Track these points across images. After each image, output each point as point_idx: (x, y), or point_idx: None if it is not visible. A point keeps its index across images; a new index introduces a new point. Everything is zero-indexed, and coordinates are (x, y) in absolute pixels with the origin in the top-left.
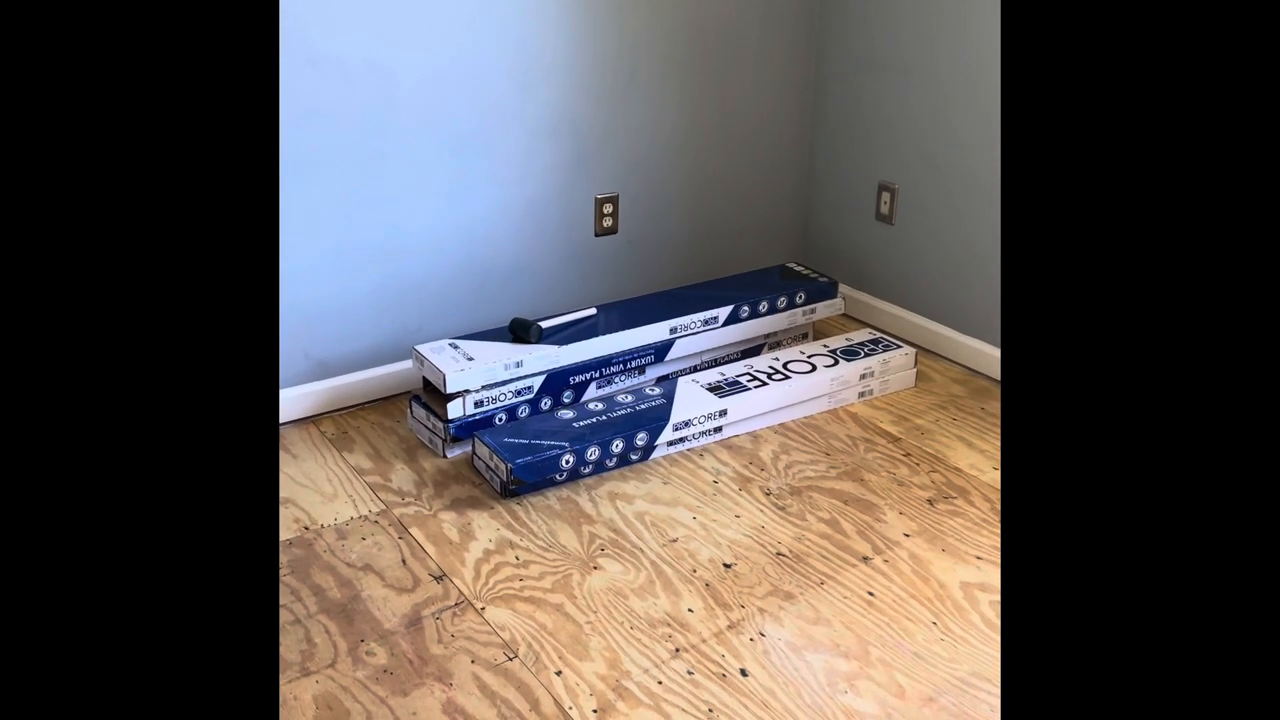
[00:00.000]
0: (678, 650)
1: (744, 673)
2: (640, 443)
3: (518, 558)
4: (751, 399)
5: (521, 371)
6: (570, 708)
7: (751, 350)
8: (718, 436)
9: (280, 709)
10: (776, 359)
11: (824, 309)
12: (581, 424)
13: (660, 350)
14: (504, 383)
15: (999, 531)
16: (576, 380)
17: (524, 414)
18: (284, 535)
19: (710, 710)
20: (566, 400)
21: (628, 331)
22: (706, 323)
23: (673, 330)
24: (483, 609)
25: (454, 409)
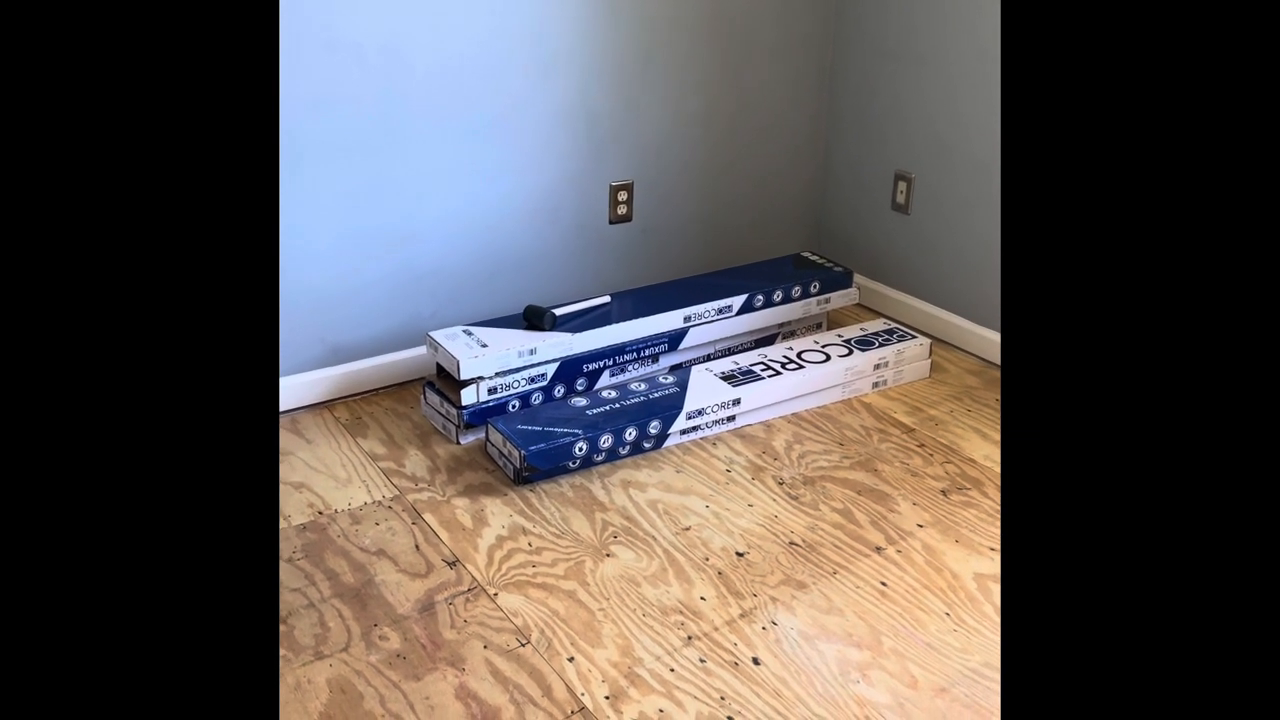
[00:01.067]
0: (690, 638)
1: (756, 661)
2: (653, 431)
3: (530, 544)
4: (765, 388)
5: (535, 359)
6: (582, 694)
7: (765, 339)
8: (731, 425)
9: (294, 692)
10: (790, 348)
11: (838, 299)
12: (595, 412)
13: (674, 339)
14: (518, 370)
15: None
16: (590, 368)
17: (537, 401)
18: (298, 520)
19: (722, 698)
20: (580, 388)
21: (642, 319)
22: (720, 311)
23: (687, 319)
24: (495, 595)
25: (468, 395)
